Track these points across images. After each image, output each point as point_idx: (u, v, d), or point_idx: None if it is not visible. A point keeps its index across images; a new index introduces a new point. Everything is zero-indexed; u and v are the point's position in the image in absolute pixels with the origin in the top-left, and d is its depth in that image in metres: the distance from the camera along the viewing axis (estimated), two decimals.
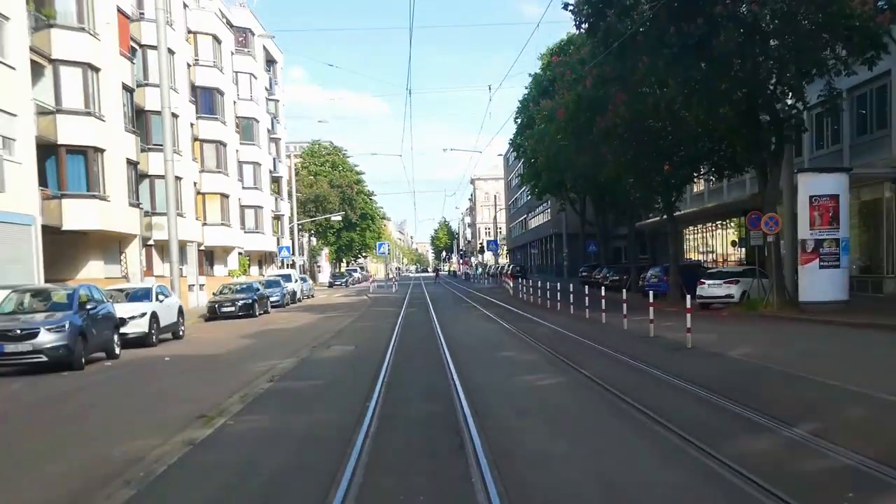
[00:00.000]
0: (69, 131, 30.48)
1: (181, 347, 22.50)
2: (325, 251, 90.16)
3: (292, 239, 65.93)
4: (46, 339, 16.32)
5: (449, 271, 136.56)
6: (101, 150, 31.88)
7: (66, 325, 16.75)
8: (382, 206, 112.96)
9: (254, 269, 57.85)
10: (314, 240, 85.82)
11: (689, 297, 19.73)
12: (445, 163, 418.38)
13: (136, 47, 38.19)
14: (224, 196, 47.80)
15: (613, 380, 12.90)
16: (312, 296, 54.71)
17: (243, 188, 53.97)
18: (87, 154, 31.28)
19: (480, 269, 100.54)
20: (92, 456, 8.95)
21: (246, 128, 55.17)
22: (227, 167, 48.70)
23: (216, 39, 47.53)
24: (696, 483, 7.00)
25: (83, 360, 17.06)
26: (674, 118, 29.26)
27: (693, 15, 24.33)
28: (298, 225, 68.09)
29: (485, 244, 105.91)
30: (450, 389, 12.64)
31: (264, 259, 62.01)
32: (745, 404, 10.27)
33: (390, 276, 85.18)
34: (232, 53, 52.25)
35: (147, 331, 21.79)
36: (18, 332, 16.40)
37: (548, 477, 7.29)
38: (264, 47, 60.87)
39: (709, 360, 15.41)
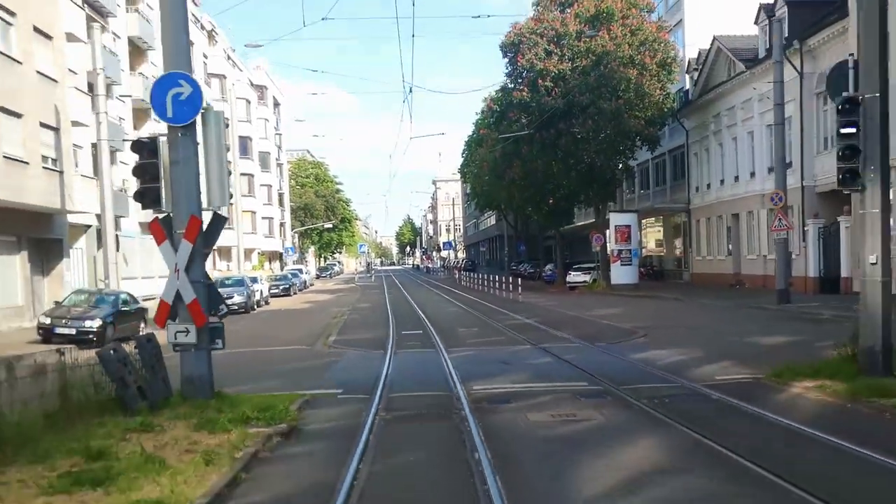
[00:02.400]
0: None
1: (275, 308, 43.66)
2: (312, 249, 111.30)
3: (293, 241, 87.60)
4: (238, 300, 37.66)
5: (413, 265, 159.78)
6: None
7: (245, 292, 38.33)
8: (354, 208, 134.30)
9: (266, 265, 79.20)
10: (302, 240, 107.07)
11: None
12: (409, 157, 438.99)
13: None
14: (252, 213, 69.39)
15: (481, 308, 35.01)
16: (312, 284, 76.13)
17: (263, 205, 75.59)
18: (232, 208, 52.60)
19: (440, 263, 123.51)
20: (302, 328, 30.29)
21: (263, 159, 76.77)
22: (254, 191, 70.25)
23: (248, 101, 69.09)
24: (484, 329, 28.93)
25: (252, 309, 38.51)
26: (546, 175, 50.81)
27: (549, 127, 46.19)
28: (295, 231, 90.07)
29: (442, 245, 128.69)
30: (417, 312, 34.63)
31: (272, 256, 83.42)
32: (517, 317, 32.27)
33: (369, 269, 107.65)
34: (252, 104, 73.72)
35: (262, 297, 43.29)
36: (227, 296, 37.80)
37: (440, 317, 29.17)
38: (273, 96, 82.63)
39: (533, 307, 37.14)
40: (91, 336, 23.84)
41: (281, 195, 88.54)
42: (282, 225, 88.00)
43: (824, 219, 36.16)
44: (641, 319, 27.03)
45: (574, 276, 53.21)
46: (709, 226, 49.02)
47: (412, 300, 45.17)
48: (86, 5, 38.16)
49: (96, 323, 24.50)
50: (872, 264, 12.58)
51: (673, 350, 18.39)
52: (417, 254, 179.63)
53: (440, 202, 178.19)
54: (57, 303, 27.17)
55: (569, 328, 25.35)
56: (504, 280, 52.45)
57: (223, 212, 13.08)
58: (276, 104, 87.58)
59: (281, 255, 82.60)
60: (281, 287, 55.32)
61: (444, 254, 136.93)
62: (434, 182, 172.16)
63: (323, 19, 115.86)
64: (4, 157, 27.80)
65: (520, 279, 53.77)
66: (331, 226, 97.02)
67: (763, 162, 41.10)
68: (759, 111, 40.77)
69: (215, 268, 60.20)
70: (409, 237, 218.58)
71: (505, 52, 49.80)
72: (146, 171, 11.64)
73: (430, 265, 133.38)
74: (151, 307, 21.12)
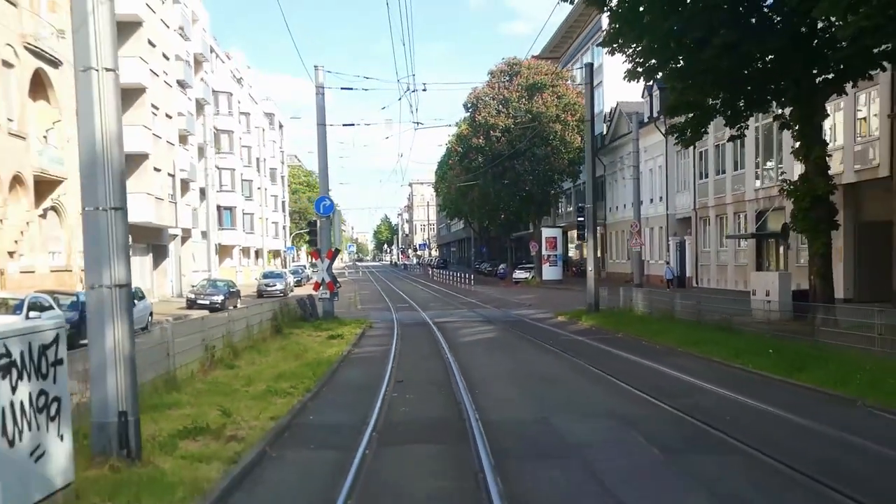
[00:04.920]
0: (224, 197, 71.09)
1: (300, 294, 62.99)
2: (304, 247, 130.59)
3: (291, 241, 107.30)
4: (279, 287, 57.03)
5: (391, 262, 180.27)
6: (234, 207, 72.80)
7: (289, 280, 57.91)
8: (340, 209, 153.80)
9: (272, 261, 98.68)
10: (296, 240, 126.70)
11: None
12: (379, 152, 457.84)
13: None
14: (265, 219, 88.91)
15: (444, 293, 54.91)
16: (310, 278, 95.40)
17: (271, 212, 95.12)
18: (235, 209, 72.10)
19: (416, 261, 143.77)
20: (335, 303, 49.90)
21: (272, 174, 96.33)
22: (265, 201, 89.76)
23: (262, 129, 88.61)
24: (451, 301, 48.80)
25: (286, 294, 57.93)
26: (497, 198, 70.46)
27: (498, 164, 65.97)
28: (294, 234, 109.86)
29: (417, 245, 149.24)
30: (402, 295, 54.44)
31: (275, 255, 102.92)
32: (466, 298, 52.18)
33: (355, 266, 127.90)
34: (265, 131, 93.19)
35: (289, 286, 62.77)
36: (270, 285, 57.11)
37: (417, 297, 48.85)
38: (279, 121, 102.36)
39: (479, 294, 56.92)
40: (217, 305, 43.19)
41: (283, 203, 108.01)
42: (284, 228, 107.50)
43: (679, 237, 56.08)
44: (538, 299, 46.83)
45: (518, 273, 73.10)
46: (617, 237, 68.74)
47: (396, 289, 64.84)
48: (194, 99, 57.83)
49: (220, 298, 43.86)
50: (590, 269, 32.49)
51: (536, 310, 38.11)
52: (395, 251, 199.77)
53: (415, 203, 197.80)
54: (193, 286, 46.75)
55: (492, 303, 45.23)
56: (465, 276, 72.38)
57: (335, 245, 32.79)
58: (281, 126, 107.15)
59: (282, 252, 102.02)
60: (295, 280, 74.76)
61: (419, 252, 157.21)
62: (410, 184, 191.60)
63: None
64: (156, 197, 47.29)
65: (477, 275, 73.83)
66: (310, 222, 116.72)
67: (648, 194, 60.94)
68: (644, 158, 60.59)
69: (239, 263, 79.76)
70: (387, 235, 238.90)
71: (467, 108, 69.87)
72: (313, 232, 31.41)
73: (406, 262, 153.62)
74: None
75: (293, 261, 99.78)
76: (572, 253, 79.13)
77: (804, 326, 20.95)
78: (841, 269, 34.40)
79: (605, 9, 26.22)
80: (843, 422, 11.56)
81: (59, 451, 7.14)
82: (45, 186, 34.85)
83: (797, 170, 29.37)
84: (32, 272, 33.74)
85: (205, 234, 62.71)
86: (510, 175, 66.48)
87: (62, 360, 7.22)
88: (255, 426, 11.09)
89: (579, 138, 66.40)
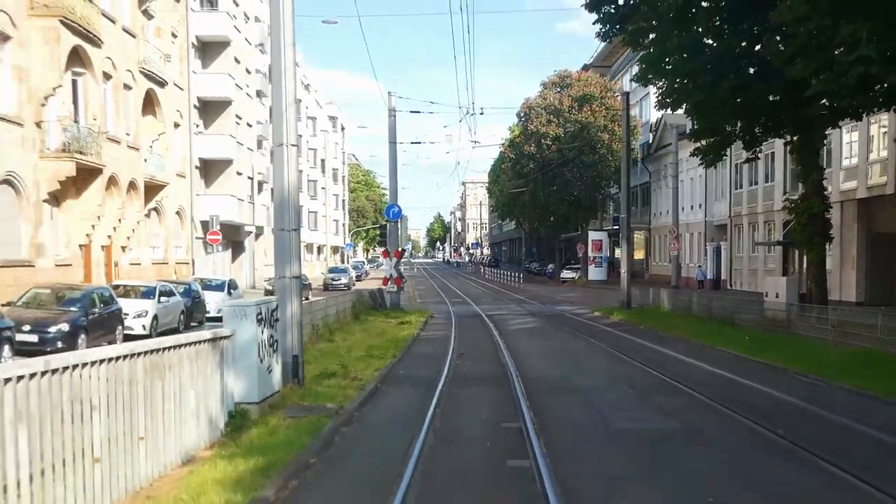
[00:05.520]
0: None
1: (361, 287, 68.77)
2: (361, 244, 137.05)
3: (350, 238, 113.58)
4: (344, 281, 62.80)
5: (444, 259, 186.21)
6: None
7: (352, 275, 63.83)
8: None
9: (332, 257, 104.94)
10: (353, 236, 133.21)
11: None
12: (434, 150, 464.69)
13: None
14: (327, 217, 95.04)
15: (494, 290, 60.32)
16: (368, 273, 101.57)
17: (332, 210, 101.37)
18: (301, 208, 78.14)
19: (468, 259, 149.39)
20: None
21: (333, 174, 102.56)
22: (327, 200, 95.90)
23: (325, 132, 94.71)
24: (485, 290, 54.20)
25: (349, 288, 63.74)
26: (546, 203, 75.70)
27: (548, 171, 71.14)
28: (353, 231, 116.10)
29: (470, 244, 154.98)
30: (456, 291, 59.94)
31: (335, 250, 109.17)
32: (514, 295, 57.52)
33: (409, 263, 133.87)
34: (328, 133, 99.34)
35: (352, 280, 68.59)
36: (335, 279, 62.90)
37: (469, 292, 54.27)
38: (341, 124, 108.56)
39: (527, 291, 62.22)
40: (344, 287, 49.79)
41: (343, 201, 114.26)
42: (343, 225, 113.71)
43: (716, 242, 60.85)
44: (580, 298, 51.97)
45: (565, 273, 78.25)
46: (660, 241, 73.50)
47: (450, 285, 70.40)
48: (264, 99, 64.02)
49: (345, 281, 50.47)
50: (624, 271, 37.60)
51: (576, 306, 43.28)
52: (447, 249, 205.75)
53: (469, 202, 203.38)
54: (270, 279, 52.69)
55: (539, 299, 50.50)
56: (515, 274, 77.76)
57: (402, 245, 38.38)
58: (343, 128, 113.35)
59: (341, 248, 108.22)
60: (356, 274, 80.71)
61: (471, 250, 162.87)
62: (463, 184, 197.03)
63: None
64: (238, 199, 53.24)
65: (527, 274, 79.23)
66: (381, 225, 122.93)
67: (689, 201, 65.67)
68: (686, 168, 65.32)
69: (304, 259, 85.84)
70: (440, 233, 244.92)
71: (519, 118, 75.17)
72: (383, 235, 37.10)
73: (458, 260, 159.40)
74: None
75: (352, 257, 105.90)
76: (618, 254, 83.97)
77: (794, 322, 25.95)
78: (853, 276, 39.25)
79: (639, 48, 31.51)
80: (764, 379, 16.82)
81: (277, 370, 12.74)
82: (151, 190, 40.75)
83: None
84: (138, 264, 39.72)
85: None
86: (559, 181, 71.57)
87: (277, 319, 12.80)
88: (367, 374, 16.60)
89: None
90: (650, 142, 76.40)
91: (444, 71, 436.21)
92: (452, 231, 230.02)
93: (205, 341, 10.41)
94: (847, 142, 40.10)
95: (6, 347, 18.92)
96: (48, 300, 23.80)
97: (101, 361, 7.62)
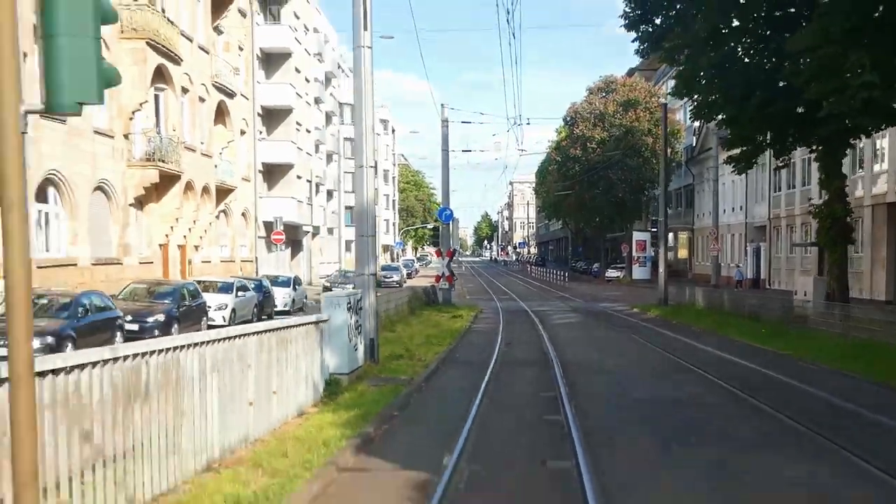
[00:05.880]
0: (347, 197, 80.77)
1: (413, 284, 72.06)
2: (410, 243, 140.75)
3: (400, 237, 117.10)
4: (395, 278, 66.06)
5: (491, 258, 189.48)
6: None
7: (403, 272, 67.11)
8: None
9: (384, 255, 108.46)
10: (403, 235, 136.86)
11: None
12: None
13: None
14: (378, 216, 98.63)
15: (540, 287, 63.28)
16: (418, 271, 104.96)
17: (384, 210, 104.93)
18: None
19: (515, 258, 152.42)
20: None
21: (384, 175, 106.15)
22: (378, 200, 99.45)
23: (377, 134, 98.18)
24: (520, 283, 57.19)
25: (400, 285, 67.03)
26: (591, 204, 78.46)
27: (593, 173, 73.92)
28: (401, 230, 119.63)
29: (517, 243, 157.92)
30: (503, 288, 62.97)
31: (385, 249, 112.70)
32: (559, 293, 60.47)
33: (458, 260, 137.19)
34: (380, 136, 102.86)
35: (403, 277, 71.91)
36: (387, 276, 66.28)
37: (516, 290, 57.29)
38: (392, 127, 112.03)
39: (572, 289, 65.07)
40: (396, 284, 53.09)
41: (394, 201, 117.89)
42: (394, 224, 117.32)
43: (756, 243, 63.24)
44: (622, 296, 54.73)
45: (610, 272, 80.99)
46: (703, 241, 75.90)
47: (498, 283, 73.48)
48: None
49: (350, 286, 53.15)
50: (661, 271, 40.37)
51: (617, 303, 46.06)
52: (494, 248, 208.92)
53: (516, 202, 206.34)
54: (328, 275, 56.15)
55: (582, 297, 53.40)
56: (560, 273, 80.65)
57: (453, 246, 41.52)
58: (393, 130, 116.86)
59: (392, 247, 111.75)
60: (407, 272, 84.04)
61: (518, 249, 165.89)
62: (511, 183, 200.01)
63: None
64: (297, 200, 56.75)
65: (573, 273, 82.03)
66: (431, 226, 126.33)
67: (730, 203, 68.08)
68: (728, 170, 67.63)
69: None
70: (487, 232, 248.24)
71: (566, 121, 78.05)
72: (437, 235, 40.14)
73: (505, 259, 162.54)
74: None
75: (401, 255, 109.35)
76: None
77: (813, 318, 28.66)
78: (883, 276, 41.66)
79: (675, 64, 34.29)
80: (767, 363, 19.72)
81: (360, 349, 15.94)
82: (221, 194, 44.25)
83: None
84: (209, 262, 43.22)
85: (331, 231, 72.26)
86: (604, 183, 74.31)
87: (361, 308, 15.99)
88: (428, 356, 19.74)
89: (669, 150, 73.84)
90: (693, 144, 78.88)
91: (493, 71, 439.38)
92: (499, 230, 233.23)
93: (311, 323, 13.60)
94: (878, 148, 42.45)
95: (118, 334, 22.26)
96: (144, 294, 27.23)
97: (255, 333, 10.84)
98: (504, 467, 9.80)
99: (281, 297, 37.04)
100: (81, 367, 6.67)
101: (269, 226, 50.50)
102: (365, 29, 17.16)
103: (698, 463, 10.15)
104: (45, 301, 21.10)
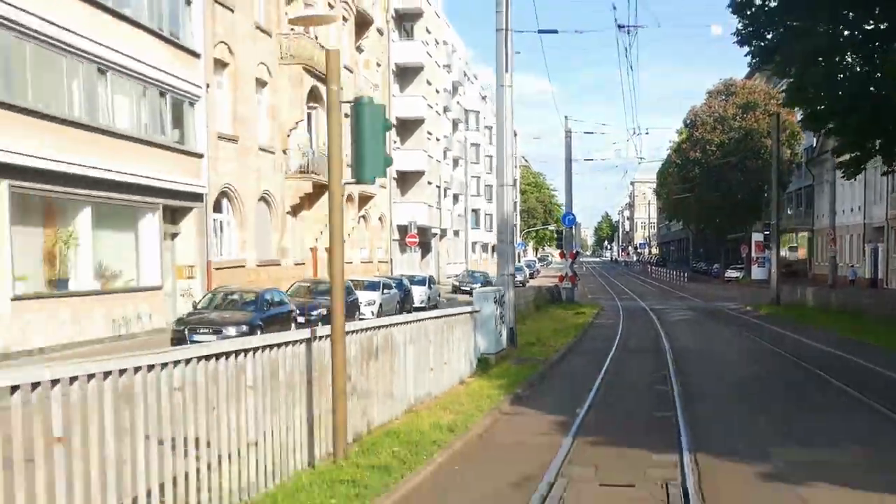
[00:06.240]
0: (471, 200, 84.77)
1: (535, 284, 75.55)
2: (531, 244, 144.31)
3: (521, 238, 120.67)
4: (520, 277, 69.59)
5: (611, 258, 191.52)
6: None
7: (526, 272, 70.53)
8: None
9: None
10: (524, 236, 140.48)
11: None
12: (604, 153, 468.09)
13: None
14: None
15: (659, 287, 66.05)
16: (539, 271, 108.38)
17: None
18: (479, 211, 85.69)
19: (636, 258, 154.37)
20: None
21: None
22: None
23: None
24: (635, 281, 60.02)
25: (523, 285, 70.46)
26: (710, 206, 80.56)
27: (712, 176, 76.07)
28: (523, 231, 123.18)
29: (638, 244, 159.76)
30: (623, 288, 65.97)
31: None
32: (678, 293, 63.14)
33: (579, 261, 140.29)
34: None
35: (526, 277, 75.45)
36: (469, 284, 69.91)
37: (636, 289, 60.24)
38: (514, 130, 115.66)
39: (690, 289, 67.57)
40: (519, 283, 56.13)
41: (515, 203, 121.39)
42: (515, 226, 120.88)
43: (874, 243, 64.59)
44: (739, 295, 57.09)
45: (729, 273, 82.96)
46: (823, 241, 77.19)
47: (618, 283, 76.45)
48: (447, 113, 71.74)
49: (478, 285, 56.80)
50: (773, 271, 42.94)
51: (732, 303, 48.55)
52: (615, 248, 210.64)
53: (637, 202, 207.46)
54: (456, 275, 60.12)
55: (699, 297, 56.04)
56: (680, 273, 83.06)
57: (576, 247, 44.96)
58: (515, 134, 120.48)
59: (514, 248, 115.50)
60: (529, 272, 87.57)
61: (639, 250, 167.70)
62: (632, 183, 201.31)
63: None
64: (427, 205, 60.93)
65: (693, 273, 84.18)
66: (552, 227, 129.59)
67: (849, 204, 69.41)
68: None
69: (480, 257, 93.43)
70: (607, 232, 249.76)
71: (686, 125, 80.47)
72: (559, 238, 43.81)
73: (626, 259, 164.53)
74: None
75: (523, 256, 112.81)
76: (783, 254, 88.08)
77: None
78: None
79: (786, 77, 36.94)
80: (849, 350, 22.80)
81: (504, 335, 19.72)
82: (362, 201, 48.70)
83: None
84: (351, 263, 47.55)
85: (456, 233, 76.43)
86: (723, 185, 76.47)
87: (504, 301, 19.74)
88: (557, 344, 23.37)
89: (789, 152, 75.55)
90: (813, 145, 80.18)
91: (610, 74, 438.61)
92: (620, 230, 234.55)
93: (467, 313, 17.40)
94: None
95: (293, 325, 26.50)
96: (306, 292, 31.56)
97: (433, 318, 14.71)
98: (621, 415, 13.42)
99: (418, 294, 40.98)
100: (350, 332, 10.53)
101: (401, 229, 54.82)
102: (506, 71, 20.90)
103: (766, 416, 13.53)
104: (236, 297, 25.61)
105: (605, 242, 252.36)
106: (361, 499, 7.81)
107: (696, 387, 16.54)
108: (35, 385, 5.47)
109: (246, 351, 8.04)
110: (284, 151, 38.25)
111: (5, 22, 20.63)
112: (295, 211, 39.90)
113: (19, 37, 21.20)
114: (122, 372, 6.28)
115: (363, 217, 50.45)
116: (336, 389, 9.19)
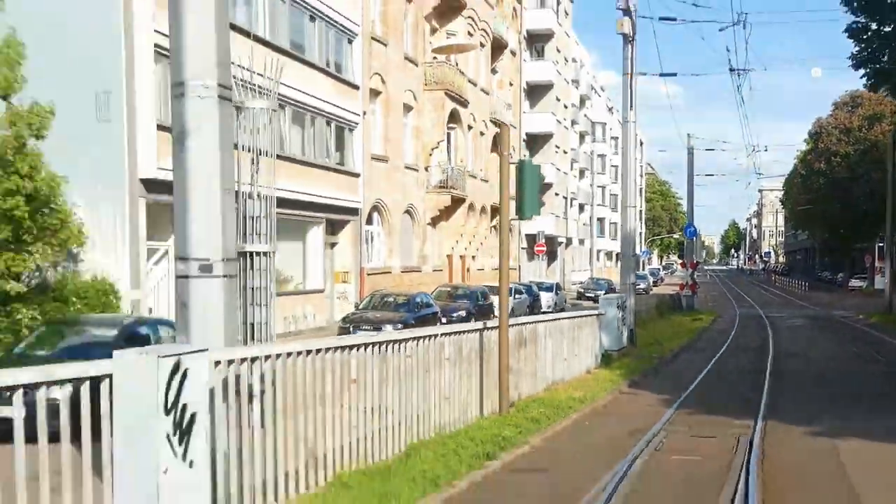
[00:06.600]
0: (597, 210, 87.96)
1: (657, 293, 78.15)
2: (656, 252, 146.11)
3: (646, 246, 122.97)
4: (643, 285, 72.36)
5: (737, 266, 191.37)
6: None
7: (650, 280, 73.36)
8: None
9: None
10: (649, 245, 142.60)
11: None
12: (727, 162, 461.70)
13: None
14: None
15: (780, 295, 68.01)
16: (663, 279, 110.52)
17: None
18: (604, 220, 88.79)
19: (762, 267, 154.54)
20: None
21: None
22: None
23: None
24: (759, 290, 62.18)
25: (648, 292, 73.24)
26: (834, 217, 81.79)
27: (835, 188, 77.43)
28: (647, 239, 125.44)
29: (764, 252, 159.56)
30: (746, 297, 68.13)
31: None
32: (798, 302, 65.13)
33: (703, 269, 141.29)
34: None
35: (650, 284, 78.19)
36: (636, 284, 72.92)
37: (755, 298, 62.44)
38: (640, 140, 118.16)
39: (812, 298, 69.31)
40: (643, 291, 59.40)
41: (640, 211, 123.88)
42: (640, 234, 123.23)
43: None
44: (857, 305, 58.31)
45: (853, 282, 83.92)
46: None
47: (740, 291, 78.56)
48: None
49: (601, 293, 60.18)
50: (886, 281, 45.07)
51: (847, 311, 50.40)
52: (741, 256, 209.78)
53: (765, 210, 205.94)
54: (581, 282, 63.55)
55: (818, 306, 58.02)
56: (803, 283, 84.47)
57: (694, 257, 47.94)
58: (641, 143, 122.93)
59: (638, 256, 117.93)
60: (653, 280, 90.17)
61: (765, 258, 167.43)
62: (759, 191, 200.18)
63: None
64: (555, 215, 64.53)
65: (817, 282, 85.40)
66: (677, 235, 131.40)
67: None
68: None
69: (604, 265, 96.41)
70: (733, 240, 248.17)
71: (811, 136, 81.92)
72: (681, 249, 46.84)
73: (752, 268, 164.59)
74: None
75: (647, 264, 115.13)
76: None
77: None
78: None
79: None
80: None
81: (625, 335, 23.36)
82: (494, 212, 52.59)
83: None
84: (482, 270, 51.60)
85: (582, 241, 79.77)
86: (848, 196, 77.72)
87: (626, 306, 23.37)
88: (672, 345, 26.83)
89: None
90: None
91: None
92: (747, 238, 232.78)
93: (594, 315, 21.11)
94: None
95: (438, 325, 30.55)
96: (447, 296, 35.58)
97: (567, 318, 18.52)
98: (716, 397, 16.97)
99: (546, 300, 44.57)
100: (510, 326, 14.38)
101: (530, 238, 58.54)
102: (630, 108, 24.51)
103: (832, 402, 16.80)
104: (391, 300, 29.79)
105: (732, 251, 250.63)
106: (522, 434, 11.68)
107: (785, 380, 19.79)
108: (347, 348, 9.50)
109: (445, 334, 12.02)
110: (426, 168, 42.40)
111: None
112: (434, 222, 43.95)
113: None
114: (380, 343, 10.26)
115: (495, 227, 54.34)
116: (501, 364, 13.07)
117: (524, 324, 15.79)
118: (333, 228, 34.55)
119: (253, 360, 7.65)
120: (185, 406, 6.23)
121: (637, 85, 25.09)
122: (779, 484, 9.72)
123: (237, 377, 7.36)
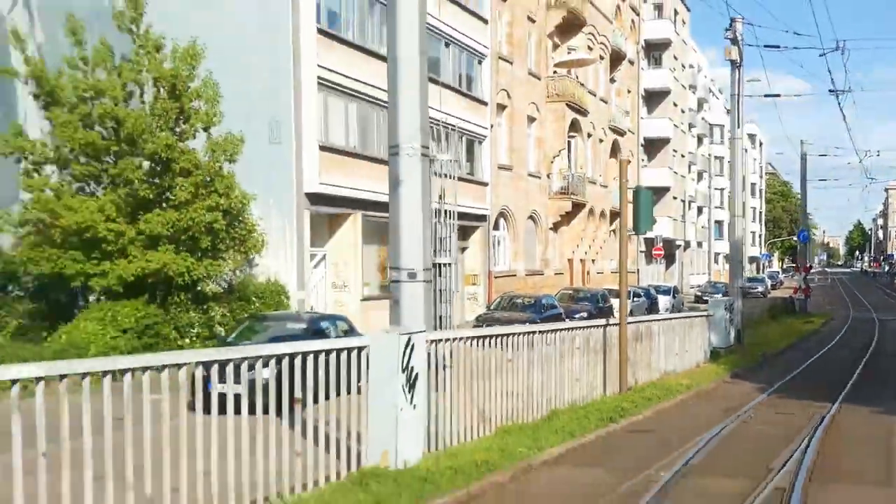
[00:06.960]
0: (715, 212, 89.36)
1: (776, 295, 79.19)
2: (776, 254, 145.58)
3: (766, 249, 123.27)
4: (760, 289, 73.86)
5: (861, 269, 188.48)
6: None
7: (767, 283, 74.78)
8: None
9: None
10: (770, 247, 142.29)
11: None
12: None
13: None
14: (744, 229, 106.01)
15: (893, 295, 68.91)
16: (782, 282, 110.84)
17: (749, 222, 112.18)
18: (723, 223, 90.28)
19: (887, 268, 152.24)
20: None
21: (752, 189, 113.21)
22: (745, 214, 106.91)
23: (744, 150, 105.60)
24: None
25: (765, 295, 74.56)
26: None
27: None
28: (768, 242, 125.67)
29: (890, 254, 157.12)
30: (863, 300, 68.89)
31: (751, 261, 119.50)
32: None
33: (825, 272, 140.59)
34: (748, 152, 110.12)
35: (767, 288, 79.43)
36: (752, 287, 74.26)
37: (872, 300, 63.30)
38: (760, 140, 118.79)
39: None
40: (760, 294, 61.57)
41: (760, 213, 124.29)
42: (760, 236, 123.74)
43: None
44: None
45: None
46: None
47: (858, 294, 79.47)
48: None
49: (719, 296, 62.10)
50: None
51: None
52: (865, 258, 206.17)
53: (891, 210, 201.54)
54: (699, 286, 65.53)
55: None
56: None
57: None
58: (760, 144, 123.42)
59: (757, 259, 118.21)
60: (771, 283, 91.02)
61: (892, 261, 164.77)
62: (886, 190, 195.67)
63: None
64: (672, 218, 66.66)
65: None
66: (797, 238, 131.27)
67: None
68: None
69: (723, 268, 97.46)
70: (858, 241, 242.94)
71: None
72: (794, 253, 48.55)
73: (876, 270, 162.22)
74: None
75: (767, 266, 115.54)
76: None
77: None
78: None
79: None
80: None
81: (732, 334, 26.07)
82: (613, 216, 55.20)
83: None
84: (602, 273, 54.27)
85: (700, 244, 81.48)
86: None
87: (733, 308, 26.03)
88: (779, 344, 29.38)
89: None
90: None
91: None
92: (873, 239, 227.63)
93: (703, 316, 23.88)
94: None
95: None
96: (569, 298, 38.47)
97: (679, 318, 21.44)
98: (806, 386, 19.55)
99: (663, 303, 46.88)
100: (626, 323, 17.36)
101: (648, 242, 60.85)
102: (738, 126, 27.11)
103: None
104: (519, 301, 32.89)
105: (856, 252, 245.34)
106: (637, 407, 14.75)
107: (873, 375, 22.21)
108: (505, 336, 12.69)
109: (576, 328, 15.15)
110: (548, 175, 45.39)
111: (357, 95, 28.74)
112: (556, 227, 46.89)
113: (371, 104, 29.27)
114: (529, 332, 13.40)
115: (613, 231, 56.92)
116: (621, 354, 16.11)
117: (640, 322, 18.80)
118: (464, 234, 37.75)
119: (446, 340, 10.93)
120: (412, 368, 9.54)
121: (743, 110, 27.66)
122: (834, 442, 12.62)
123: (436, 352, 10.63)
